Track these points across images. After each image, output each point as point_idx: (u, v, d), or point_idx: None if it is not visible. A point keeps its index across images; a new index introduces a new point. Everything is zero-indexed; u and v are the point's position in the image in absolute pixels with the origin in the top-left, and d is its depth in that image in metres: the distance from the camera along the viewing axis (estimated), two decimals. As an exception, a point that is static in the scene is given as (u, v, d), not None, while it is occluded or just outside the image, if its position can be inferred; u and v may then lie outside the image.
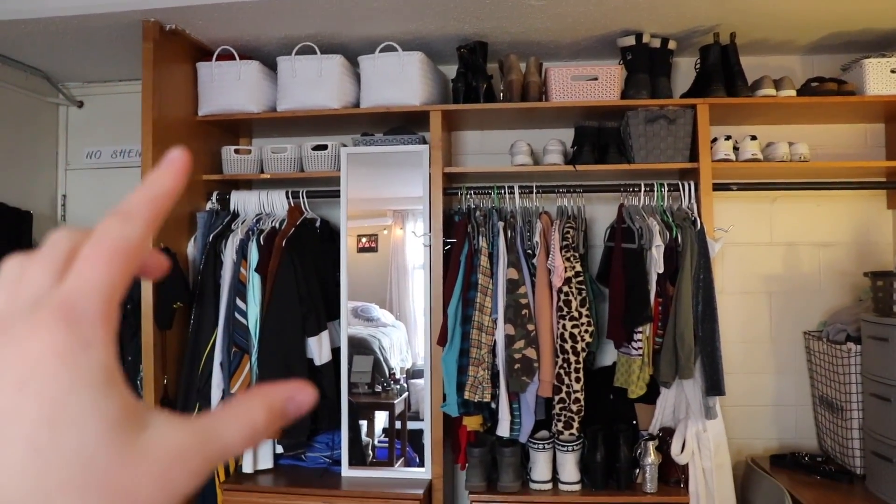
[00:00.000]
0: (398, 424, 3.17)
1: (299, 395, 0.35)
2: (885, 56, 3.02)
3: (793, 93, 3.01)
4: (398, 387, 3.18)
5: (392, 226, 3.21)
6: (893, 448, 2.61)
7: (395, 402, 3.17)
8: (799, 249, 3.40)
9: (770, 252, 3.40)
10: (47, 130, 3.80)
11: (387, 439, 3.18)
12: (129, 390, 0.31)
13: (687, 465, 2.88)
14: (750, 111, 3.13)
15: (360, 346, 3.16)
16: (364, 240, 3.21)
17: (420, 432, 3.09)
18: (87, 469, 0.28)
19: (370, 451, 3.16)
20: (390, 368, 3.19)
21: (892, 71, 2.97)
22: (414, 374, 3.16)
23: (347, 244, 3.14)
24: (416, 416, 3.11)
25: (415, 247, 3.14)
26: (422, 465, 3.06)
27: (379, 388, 3.17)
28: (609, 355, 3.28)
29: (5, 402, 0.28)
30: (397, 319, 3.21)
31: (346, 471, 3.11)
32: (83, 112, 3.85)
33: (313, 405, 0.35)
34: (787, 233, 3.40)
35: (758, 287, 3.40)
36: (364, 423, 3.17)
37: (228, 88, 3.17)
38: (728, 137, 3.05)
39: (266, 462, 3.20)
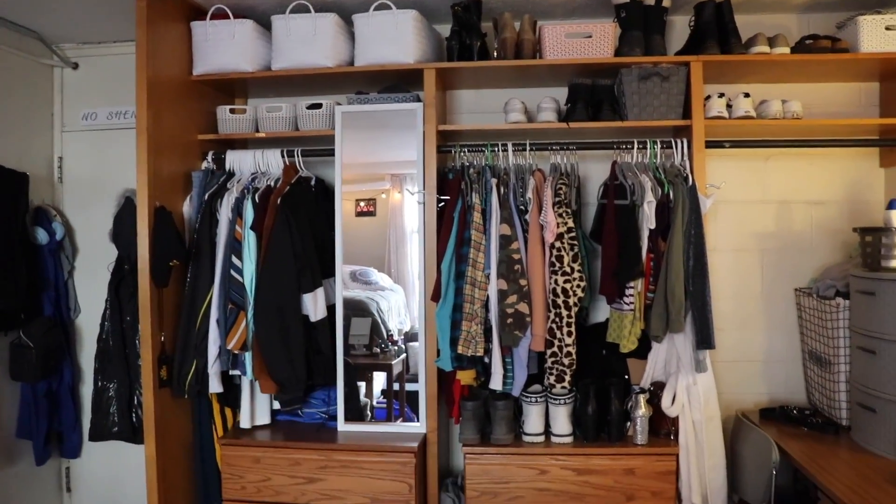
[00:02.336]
0: (396, 386, 3.21)
1: None
2: (879, 13, 3.02)
3: (787, 50, 3.02)
4: (396, 348, 3.22)
5: (390, 190, 3.23)
6: (878, 399, 2.66)
7: (393, 363, 3.21)
8: (791, 207, 3.42)
9: (762, 210, 3.43)
10: (42, 92, 3.80)
11: (385, 400, 3.23)
12: None
13: (677, 417, 2.93)
14: (744, 69, 3.13)
15: (358, 309, 3.20)
16: (363, 204, 3.23)
17: (418, 393, 3.14)
18: None
19: (369, 412, 3.21)
20: (388, 331, 3.22)
21: (887, 28, 2.97)
22: (412, 336, 3.19)
23: (342, 204, 3.16)
24: (415, 378, 3.15)
25: (413, 211, 3.15)
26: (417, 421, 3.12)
27: (377, 350, 3.21)
28: (601, 312, 3.32)
29: None
30: (395, 283, 3.24)
31: (342, 426, 3.17)
32: (78, 74, 3.85)
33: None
34: (780, 191, 3.42)
35: (750, 245, 3.43)
36: (363, 385, 3.21)
37: (223, 48, 3.17)
38: (721, 95, 3.06)
39: (263, 418, 3.25)
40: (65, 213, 3.83)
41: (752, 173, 3.42)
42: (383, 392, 3.23)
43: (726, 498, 2.96)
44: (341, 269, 3.15)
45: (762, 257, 3.43)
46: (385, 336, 3.21)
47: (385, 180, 3.23)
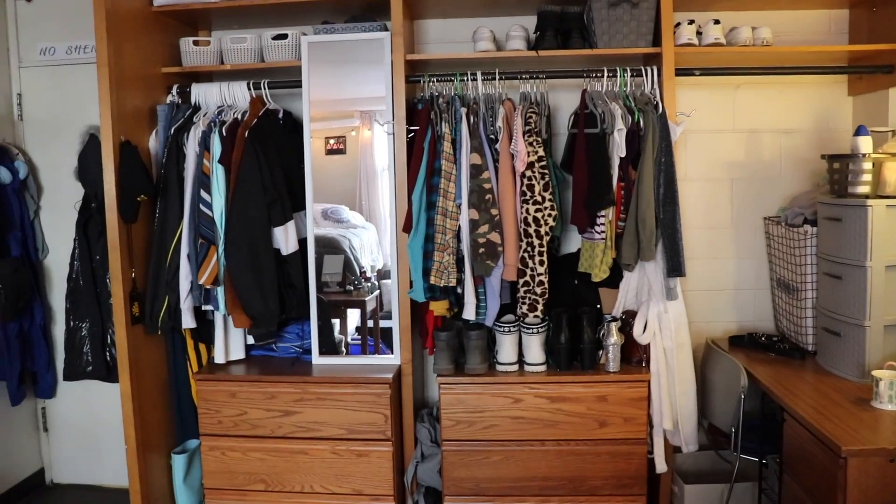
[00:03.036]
0: (371, 323, 3.22)
1: None
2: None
3: (757, -25, 2.99)
4: (369, 285, 3.22)
5: (360, 127, 3.19)
6: (842, 323, 2.71)
7: (367, 300, 3.21)
8: (761, 136, 3.43)
9: (732, 139, 3.44)
10: (-3, 26, 3.68)
11: (360, 337, 3.24)
12: None
13: (648, 345, 2.97)
14: (714, -5, 3.11)
15: (330, 247, 3.18)
16: (332, 142, 3.19)
17: (391, 330, 3.15)
18: None
19: (343, 349, 3.22)
20: (361, 268, 3.22)
21: (857, -47, 2.95)
22: (385, 274, 3.19)
23: (312, 142, 3.12)
24: (388, 316, 3.16)
25: (384, 148, 3.12)
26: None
27: (350, 287, 3.20)
28: (573, 242, 3.34)
29: None
30: (367, 221, 3.22)
31: (317, 359, 3.18)
32: (33, 6, 3.72)
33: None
34: (750, 120, 3.42)
35: (720, 174, 3.45)
36: (337, 322, 3.22)
37: (184, -24, 3.08)
38: (691, 22, 3.03)
39: (238, 353, 3.26)
40: (27, 151, 3.75)
41: (722, 102, 3.42)
42: (357, 329, 3.24)
43: (696, 423, 3.03)
44: (312, 205, 3.12)
45: (732, 186, 3.45)
46: (358, 273, 3.21)
47: (354, 118, 3.19)
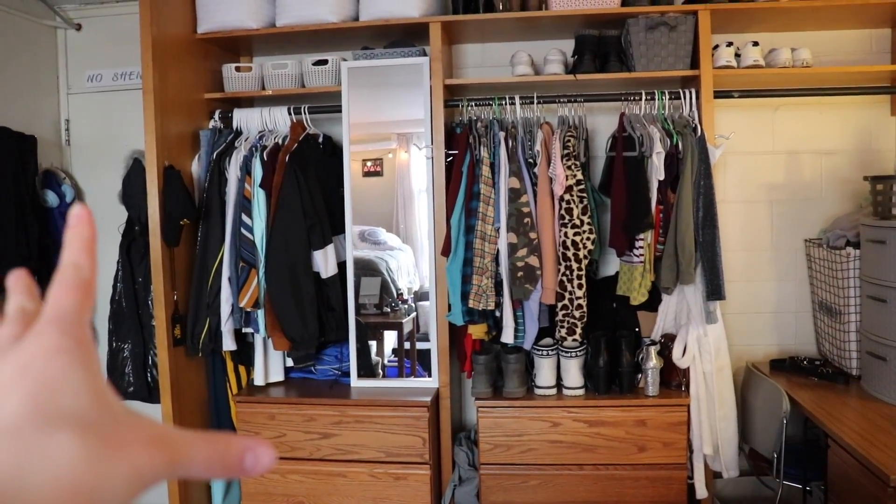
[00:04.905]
0: (407, 345, 3.23)
1: (262, 455, 0.38)
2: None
3: (797, -4, 2.98)
4: (406, 307, 3.24)
5: (397, 149, 3.22)
6: (888, 347, 2.66)
7: (404, 321, 3.23)
8: (801, 157, 3.40)
9: (772, 160, 3.41)
10: (47, 55, 3.78)
11: (396, 359, 3.25)
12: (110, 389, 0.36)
13: (688, 368, 2.94)
14: (753, 17, 3.09)
15: (367, 268, 3.21)
16: (369, 164, 3.22)
17: (428, 352, 3.16)
18: (81, 415, 0.33)
19: (380, 371, 3.23)
20: (398, 290, 3.24)
21: (899, -27, 2.93)
22: (422, 296, 3.21)
23: (351, 163, 3.15)
24: (425, 337, 3.17)
25: (420, 171, 3.15)
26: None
27: (387, 309, 3.23)
28: (611, 266, 3.32)
29: (6, 378, 0.33)
30: (404, 243, 3.24)
31: (356, 381, 3.20)
32: (82, 35, 3.82)
33: (270, 466, 0.38)
34: (790, 141, 3.39)
35: (759, 196, 3.42)
36: (374, 344, 3.24)
37: (227, 4, 3.15)
38: (730, 44, 3.03)
39: (277, 375, 3.29)
40: (73, 175, 3.84)
41: (762, 123, 3.39)
42: (394, 351, 3.25)
43: (737, 448, 2.99)
44: (351, 228, 3.15)
45: (772, 208, 3.42)
46: (395, 295, 3.23)
47: (391, 140, 3.22)
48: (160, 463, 0.34)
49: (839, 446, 2.42)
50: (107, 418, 0.34)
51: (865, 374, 2.87)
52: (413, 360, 3.21)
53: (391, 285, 3.22)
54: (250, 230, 3.05)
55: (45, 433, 0.31)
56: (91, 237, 0.42)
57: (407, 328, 3.23)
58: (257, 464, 0.38)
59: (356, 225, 3.19)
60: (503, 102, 3.08)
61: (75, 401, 0.33)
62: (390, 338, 3.26)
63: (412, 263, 3.23)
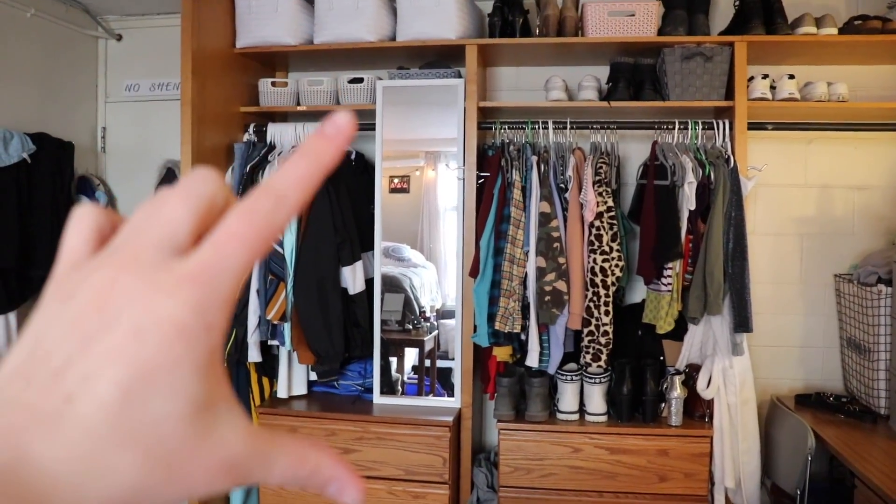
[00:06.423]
0: (427, 363, 3.24)
1: (348, 492, 0.34)
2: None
3: (834, 31, 2.97)
4: (428, 325, 3.25)
5: (424, 167, 3.24)
6: (919, 387, 2.64)
7: (425, 339, 3.24)
8: (833, 192, 3.38)
9: (804, 194, 3.39)
10: (87, 63, 3.85)
11: (416, 376, 3.26)
12: (223, 378, 0.31)
13: (712, 400, 2.92)
14: (789, 50, 3.09)
15: (391, 285, 3.22)
16: (396, 180, 3.25)
17: (448, 370, 3.16)
18: (158, 439, 0.28)
19: (399, 387, 3.24)
20: (420, 307, 3.25)
21: (939, 10, 2.92)
22: (444, 314, 3.21)
23: (382, 180, 3.18)
24: (446, 356, 3.18)
25: (446, 189, 3.17)
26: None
27: (409, 326, 3.23)
28: (638, 293, 3.31)
29: (117, 341, 0.28)
30: (428, 260, 3.26)
31: (378, 398, 3.20)
32: (122, 45, 3.90)
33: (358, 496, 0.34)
34: (822, 175, 3.37)
35: (790, 229, 3.40)
36: (394, 360, 3.24)
37: (266, 20, 3.19)
38: (765, 76, 3.02)
39: (300, 388, 3.30)
40: (108, 182, 3.89)
41: (794, 156, 3.38)
42: (414, 368, 3.26)
43: (759, 482, 2.96)
44: (380, 245, 3.17)
45: (802, 242, 3.40)
46: (417, 312, 3.24)
47: (419, 157, 3.24)
48: (220, 488, 0.31)
49: (867, 487, 2.39)
50: (189, 434, 0.29)
51: (894, 414, 2.83)
52: (433, 379, 3.22)
53: (414, 302, 3.23)
54: (280, 244, 3.07)
55: (116, 444, 0.27)
56: (328, 166, 0.33)
57: (428, 346, 3.24)
58: (339, 496, 0.33)
59: (382, 241, 3.21)
60: (536, 126, 3.09)
61: (164, 406, 0.28)
62: (411, 355, 3.27)
63: (435, 281, 3.24)
